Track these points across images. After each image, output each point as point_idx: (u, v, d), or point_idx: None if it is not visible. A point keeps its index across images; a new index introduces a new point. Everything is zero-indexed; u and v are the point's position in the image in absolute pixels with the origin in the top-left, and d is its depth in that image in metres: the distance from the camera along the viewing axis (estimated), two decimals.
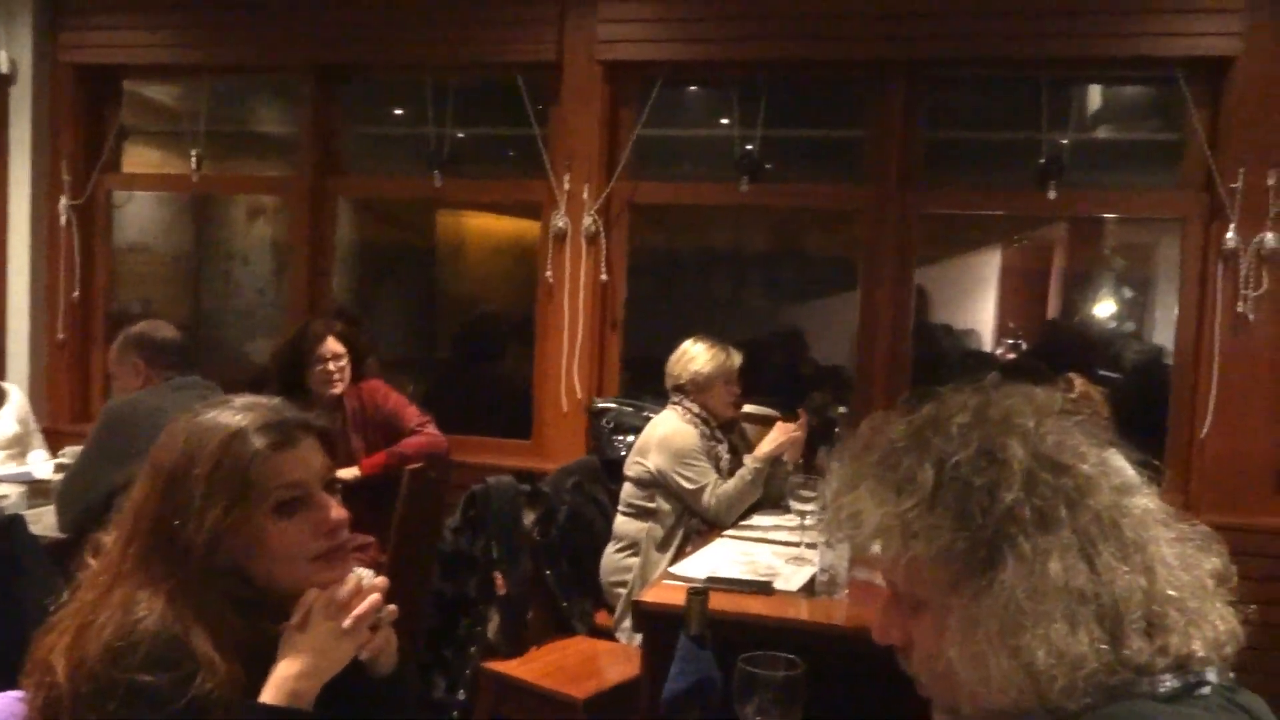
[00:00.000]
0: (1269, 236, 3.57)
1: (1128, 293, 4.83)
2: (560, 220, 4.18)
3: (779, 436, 3.56)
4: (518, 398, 4.45)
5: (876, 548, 1.02)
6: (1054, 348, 4.71)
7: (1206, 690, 0.92)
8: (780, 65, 4.10)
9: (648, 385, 4.12)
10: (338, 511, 1.35)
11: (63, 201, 4.74)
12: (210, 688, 1.19)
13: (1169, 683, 0.91)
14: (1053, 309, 5.06)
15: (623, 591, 3.46)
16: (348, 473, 3.61)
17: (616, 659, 3.23)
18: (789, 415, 3.66)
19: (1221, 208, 3.63)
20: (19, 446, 4.02)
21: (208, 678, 1.19)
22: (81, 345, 4.88)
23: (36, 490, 3.56)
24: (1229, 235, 3.60)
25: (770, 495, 3.53)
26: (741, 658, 1.43)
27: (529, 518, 3.39)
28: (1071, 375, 3.13)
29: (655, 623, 2.47)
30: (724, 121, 4.36)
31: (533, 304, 4.35)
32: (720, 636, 1.57)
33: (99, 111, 4.85)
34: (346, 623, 1.29)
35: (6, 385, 4.19)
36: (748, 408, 3.80)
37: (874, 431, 1.07)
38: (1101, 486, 0.97)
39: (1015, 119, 4.11)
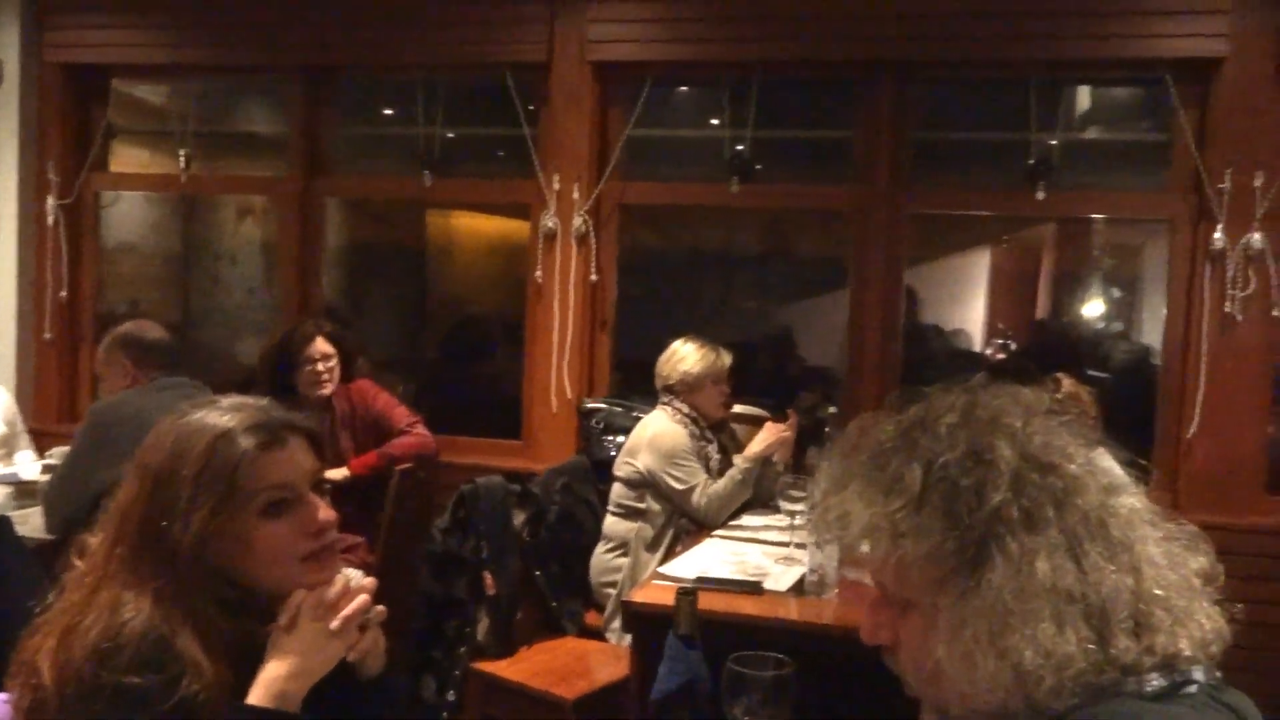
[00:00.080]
0: (1256, 237, 3.58)
1: (1116, 293, 4.85)
2: (550, 220, 4.17)
3: (769, 437, 3.57)
4: (507, 398, 4.44)
5: (865, 548, 1.02)
6: (1043, 348, 4.73)
7: (1193, 689, 0.92)
8: (770, 66, 4.10)
9: (637, 385, 4.12)
10: (326, 512, 1.34)
11: (50, 201, 4.70)
12: (197, 689, 1.18)
13: (1155, 682, 0.91)
14: (1041, 309, 5.07)
15: (612, 592, 3.45)
16: (337, 473, 3.61)
17: (606, 659, 3.23)
18: (779, 415, 3.66)
19: (1209, 208, 3.64)
20: (6, 447, 3.99)
21: (195, 679, 1.18)
22: (69, 345, 4.84)
23: (24, 491, 3.53)
24: (1216, 236, 3.61)
25: (760, 495, 3.53)
26: (730, 657, 1.43)
27: (518, 518, 3.38)
28: (1060, 375, 3.14)
29: (644, 623, 2.47)
30: (714, 122, 4.35)
31: (522, 304, 4.33)
32: (710, 636, 1.57)
33: (87, 111, 4.81)
34: (335, 624, 1.28)
35: None
36: (737, 408, 3.81)
37: (862, 432, 1.07)
38: (1089, 486, 0.98)
39: (1004, 120, 4.11)
